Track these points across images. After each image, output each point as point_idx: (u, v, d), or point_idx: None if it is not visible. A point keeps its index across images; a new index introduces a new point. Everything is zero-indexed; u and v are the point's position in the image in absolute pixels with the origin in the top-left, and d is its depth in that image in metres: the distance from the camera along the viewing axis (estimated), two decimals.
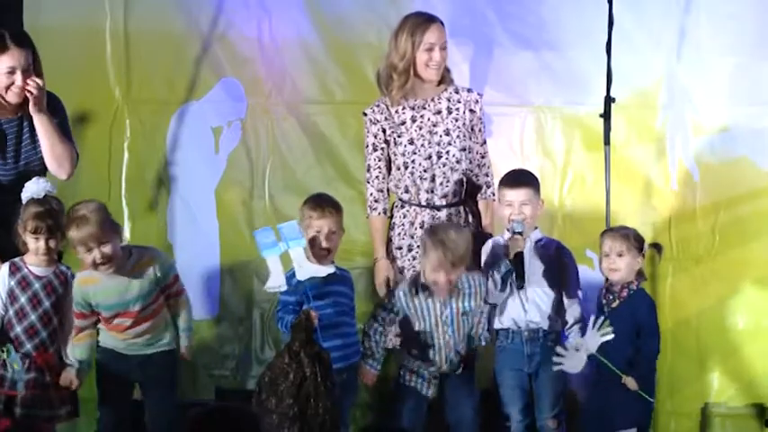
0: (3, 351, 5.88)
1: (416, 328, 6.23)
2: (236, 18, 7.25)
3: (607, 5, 6.62)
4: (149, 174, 7.24)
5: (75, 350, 5.98)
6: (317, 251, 6.20)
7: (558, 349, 6.13)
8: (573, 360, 6.11)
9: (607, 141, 6.67)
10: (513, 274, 6.26)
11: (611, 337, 6.03)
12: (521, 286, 6.28)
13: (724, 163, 7.11)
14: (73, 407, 6.00)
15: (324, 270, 6.07)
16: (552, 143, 7.21)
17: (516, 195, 6.33)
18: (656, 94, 7.15)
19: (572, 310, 6.38)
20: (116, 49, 7.26)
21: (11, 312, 5.92)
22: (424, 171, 6.54)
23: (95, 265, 5.88)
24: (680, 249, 7.11)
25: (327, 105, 7.28)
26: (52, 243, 5.93)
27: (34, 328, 5.92)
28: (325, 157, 7.25)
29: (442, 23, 6.57)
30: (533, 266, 6.34)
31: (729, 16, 7.09)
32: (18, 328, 5.91)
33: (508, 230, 6.31)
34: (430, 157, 6.54)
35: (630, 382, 6.07)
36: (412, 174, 6.53)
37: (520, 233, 6.26)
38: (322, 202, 6.27)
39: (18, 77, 6.13)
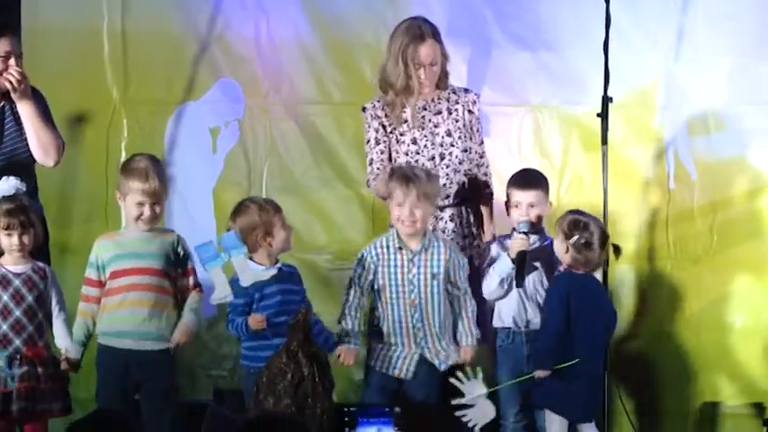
0: None
1: (382, 288, 6.18)
2: (233, 18, 7.25)
3: (604, 5, 6.61)
4: None
5: (75, 325, 6.00)
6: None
7: (460, 415, 6.04)
8: (480, 410, 6.08)
9: (605, 141, 6.66)
10: (514, 273, 6.27)
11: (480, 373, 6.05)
12: (520, 285, 6.27)
13: (722, 162, 7.13)
14: (66, 403, 5.99)
15: (266, 273, 6.09)
16: (550, 143, 7.22)
17: (525, 197, 6.34)
18: (654, 93, 7.17)
19: None
20: (114, 50, 7.26)
21: None
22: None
23: (137, 219, 5.98)
24: (678, 249, 7.12)
25: (325, 106, 7.28)
26: (26, 239, 5.96)
27: (20, 324, 5.94)
28: (323, 157, 7.25)
29: (434, 35, 6.49)
30: (537, 266, 6.34)
31: (727, 16, 7.10)
32: (4, 326, 5.92)
33: (514, 229, 6.33)
34: (433, 158, 6.52)
35: (538, 374, 6.08)
36: None
37: (525, 233, 6.27)
38: (263, 205, 6.25)
39: (12, 63, 6.16)
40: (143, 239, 6.01)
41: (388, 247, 6.19)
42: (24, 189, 6.08)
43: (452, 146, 6.54)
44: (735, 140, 7.14)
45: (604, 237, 6.17)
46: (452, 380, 6.03)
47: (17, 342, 5.93)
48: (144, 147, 7.23)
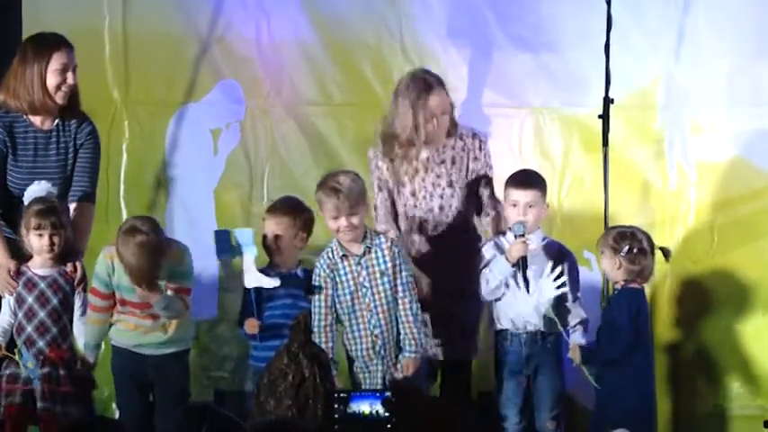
0: (14, 354, 5.95)
1: (341, 299, 6.19)
2: (234, 19, 7.25)
3: (605, 6, 6.62)
4: (148, 175, 7.25)
5: (86, 331, 6.02)
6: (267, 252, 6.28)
7: (510, 282, 6.18)
8: (522, 303, 6.22)
9: (605, 142, 6.67)
10: (518, 279, 6.26)
11: (563, 288, 6.11)
12: (529, 291, 6.27)
13: (722, 163, 7.12)
14: (87, 406, 6.01)
15: (270, 282, 6.14)
16: (551, 144, 7.21)
17: (522, 196, 6.33)
18: (655, 94, 7.16)
19: (576, 312, 6.38)
20: (115, 51, 7.27)
21: (20, 315, 5.97)
22: (424, 222, 6.52)
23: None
24: (678, 250, 7.10)
25: (326, 107, 7.29)
26: (56, 239, 5.97)
27: (44, 326, 5.97)
28: (324, 158, 7.25)
29: (440, 84, 6.43)
30: (536, 268, 6.34)
31: (728, 18, 7.10)
32: (29, 328, 5.97)
33: (509, 230, 6.32)
34: (431, 210, 6.50)
35: (574, 353, 6.13)
36: (411, 226, 6.53)
37: (522, 236, 6.26)
38: (275, 209, 6.33)
39: (69, 76, 6.16)
40: None
41: (332, 258, 6.20)
42: (56, 192, 6.08)
43: (452, 197, 6.51)
44: (735, 141, 7.13)
45: (651, 242, 6.15)
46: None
47: (41, 343, 5.96)
48: (145, 148, 7.26)
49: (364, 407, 5.56)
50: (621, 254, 6.06)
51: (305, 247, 6.37)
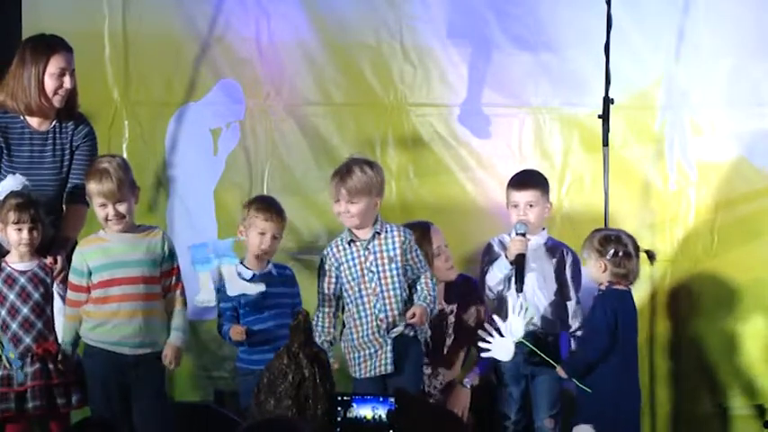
0: None
1: (346, 285, 6.16)
2: (234, 19, 7.26)
3: (605, 6, 6.62)
4: (148, 175, 7.23)
5: (64, 328, 5.97)
6: (256, 252, 6.26)
7: (483, 334, 6.11)
8: (500, 348, 6.11)
9: (605, 142, 6.67)
10: (514, 276, 6.26)
11: (530, 316, 6.05)
12: (520, 290, 6.26)
13: (722, 164, 7.13)
14: (84, 394, 5.96)
15: (253, 288, 6.11)
16: (551, 144, 7.22)
17: (522, 197, 6.35)
18: (655, 95, 7.17)
19: (577, 315, 6.39)
20: (114, 51, 7.27)
21: (3, 312, 5.93)
22: None
23: (106, 221, 5.92)
24: (678, 250, 7.12)
25: (326, 107, 7.29)
26: (35, 233, 5.95)
27: (29, 321, 5.94)
28: (324, 158, 7.25)
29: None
30: (537, 268, 6.34)
31: (728, 18, 7.11)
32: (14, 325, 5.93)
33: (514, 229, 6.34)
34: None
35: (560, 371, 6.11)
36: None
37: (523, 234, 6.27)
38: (270, 207, 6.32)
39: (67, 80, 6.15)
40: (129, 245, 5.96)
41: (340, 244, 6.19)
42: (30, 186, 6.06)
43: None
44: (735, 142, 7.14)
45: (636, 245, 6.16)
46: (481, 343, 6.10)
47: (27, 340, 5.93)
48: (145, 148, 7.26)
49: (366, 411, 5.56)
50: (607, 257, 6.08)
51: None
